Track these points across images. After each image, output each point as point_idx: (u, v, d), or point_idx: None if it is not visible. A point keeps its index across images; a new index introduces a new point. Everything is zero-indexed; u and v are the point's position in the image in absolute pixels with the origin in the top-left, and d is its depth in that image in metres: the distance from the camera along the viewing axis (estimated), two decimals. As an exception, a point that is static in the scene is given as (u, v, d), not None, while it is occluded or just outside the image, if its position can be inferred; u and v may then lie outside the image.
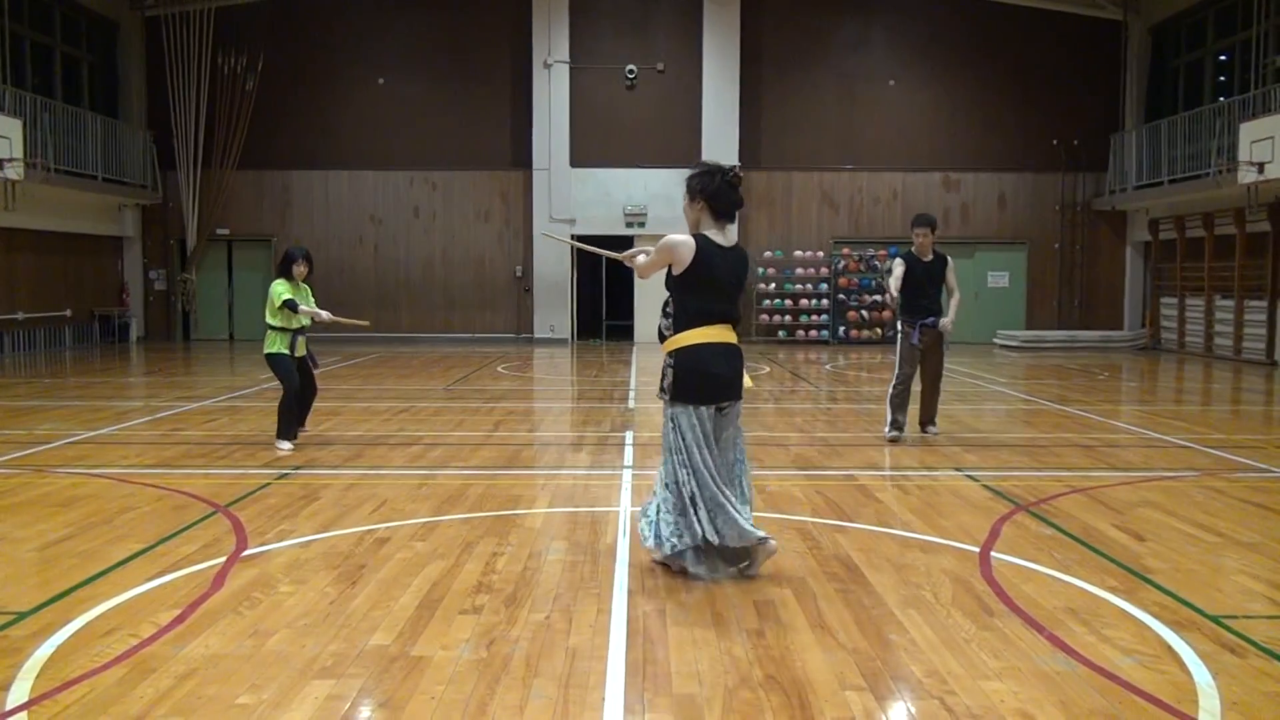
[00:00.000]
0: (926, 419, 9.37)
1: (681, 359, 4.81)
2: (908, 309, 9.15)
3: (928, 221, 9.14)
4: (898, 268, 9.17)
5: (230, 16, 21.96)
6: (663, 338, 4.97)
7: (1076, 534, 5.79)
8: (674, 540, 4.82)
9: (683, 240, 4.76)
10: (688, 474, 4.80)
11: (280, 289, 8.59)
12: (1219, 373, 16.38)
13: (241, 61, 21.88)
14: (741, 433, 5.07)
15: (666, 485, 4.89)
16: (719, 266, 4.78)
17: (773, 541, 4.88)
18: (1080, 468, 7.87)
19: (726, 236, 4.87)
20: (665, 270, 4.91)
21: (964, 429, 9.92)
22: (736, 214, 4.93)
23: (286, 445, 8.50)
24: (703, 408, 4.82)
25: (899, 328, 9.30)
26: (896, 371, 9.16)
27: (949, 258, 9.23)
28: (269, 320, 8.67)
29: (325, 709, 3.43)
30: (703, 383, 4.80)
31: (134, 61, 22.23)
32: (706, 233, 4.84)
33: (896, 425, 9.09)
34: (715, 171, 4.85)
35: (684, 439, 4.81)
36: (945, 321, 9.03)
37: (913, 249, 9.18)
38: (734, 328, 4.94)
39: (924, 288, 9.09)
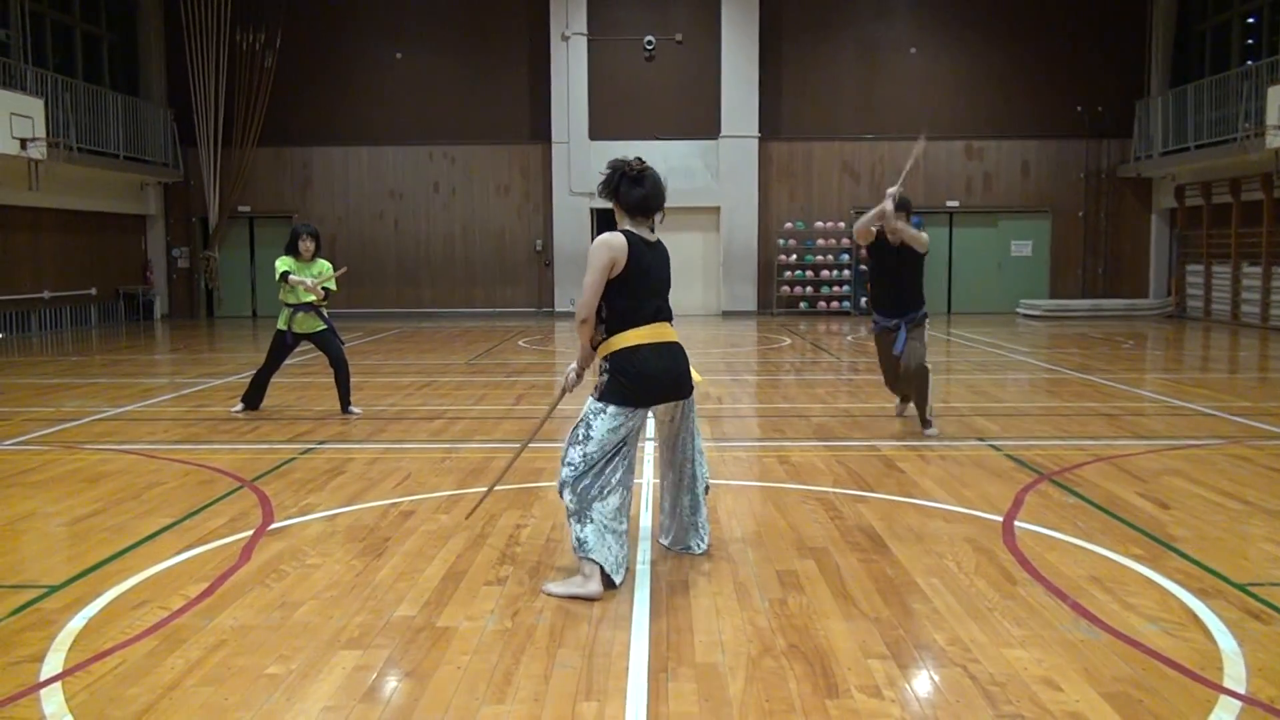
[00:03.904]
0: (921, 420, 7.93)
1: (618, 361, 4.41)
2: (875, 299, 8.01)
3: (901, 205, 7.45)
4: (865, 228, 7.53)
5: (248, -8, 21.98)
6: (594, 345, 4.58)
7: (1100, 502, 5.77)
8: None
9: (612, 237, 4.40)
10: (603, 463, 4.42)
11: (278, 263, 8.77)
12: (1245, 340, 16.22)
13: (260, 38, 21.87)
14: (696, 433, 4.81)
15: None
16: (648, 262, 4.45)
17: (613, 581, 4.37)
18: (1104, 436, 7.82)
19: (648, 234, 4.54)
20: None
21: (986, 398, 9.87)
22: (653, 210, 4.51)
23: (238, 407, 9.16)
24: (635, 412, 4.42)
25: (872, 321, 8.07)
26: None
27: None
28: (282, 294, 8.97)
29: (352, 679, 3.47)
30: (641, 384, 4.39)
31: (153, 39, 22.27)
32: (632, 229, 4.48)
33: (903, 400, 8.43)
34: (615, 170, 4.50)
35: (605, 437, 4.38)
36: (891, 192, 7.22)
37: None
38: (670, 324, 4.58)
39: (890, 276, 7.73)
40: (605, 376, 4.46)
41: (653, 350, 4.43)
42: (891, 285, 7.74)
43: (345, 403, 9.03)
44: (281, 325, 8.91)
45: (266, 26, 21.87)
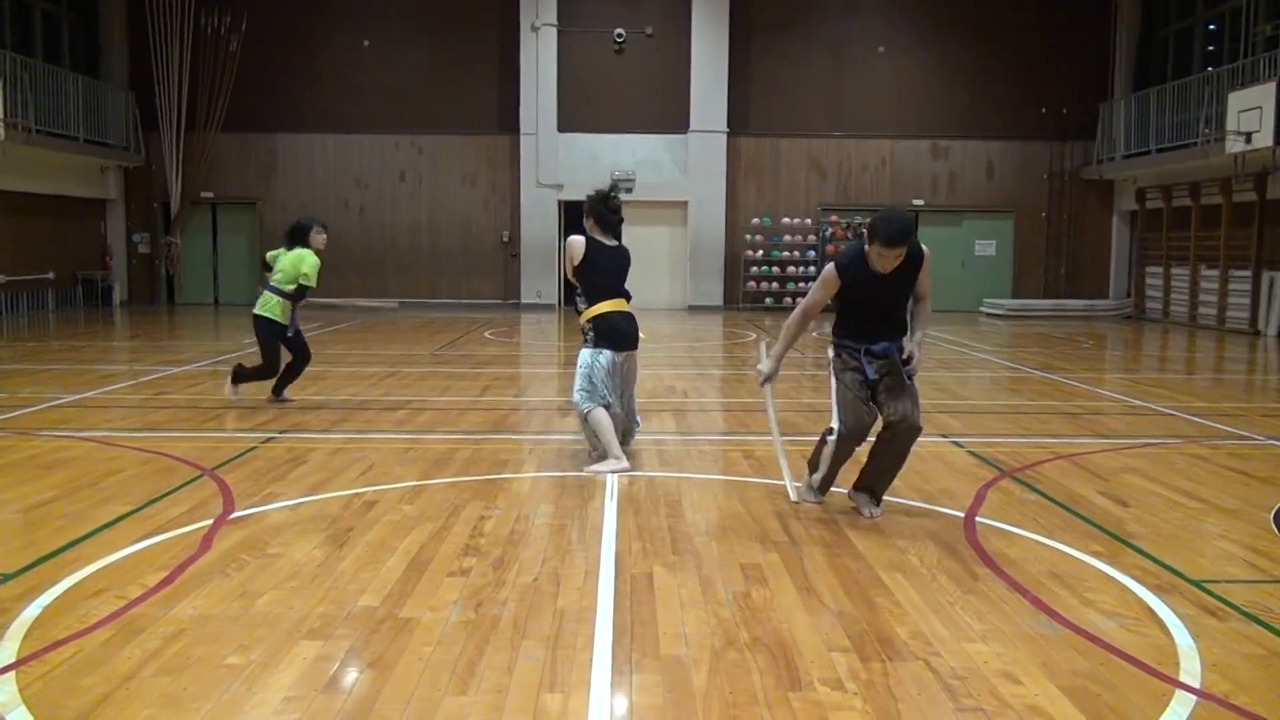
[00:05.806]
0: (865, 486, 5.54)
1: (598, 322, 6.50)
2: (847, 330, 5.42)
3: (905, 240, 4.97)
4: (826, 283, 5.31)
5: (213, -25, 21.66)
6: (579, 312, 6.66)
7: (1060, 499, 5.84)
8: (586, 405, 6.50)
9: (575, 240, 6.54)
10: (601, 384, 6.47)
11: (314, 260, 8.45)
12: (1203, 342, 16.47)
13: (225, 21, 21.58)
14: (636, 369, 6.88)
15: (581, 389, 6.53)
16: (607, 258, 6.56)
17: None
18: (1065, 434, 7.92)
19: (609, 240, 6.62)
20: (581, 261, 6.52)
21: (950, 396, 9.95)
22: (618, 226, 6.65)
23: (230, 389, 8.77)
24: (615, 353, 6.51)
25: (830, 356, 5.55)
26: (836, 425, 5.31)
27: (925, 250, 5.20)
28: (283, 285, 8.49)
29: (314, 669, 3.44)
30: (615, 336, 6.50)
31: (115, 20, 21.89)
32: (594, 235, 6.56)
33: (822, 484, 5.65)
34: (601, 198, 6.56)
35: (601, 369, 6.48)
36: (910, 345, 5.21)
37: (868, 258, 5.09)
38: (626, 300, 6.65)
39: (876, 309, 5.31)
40: (592, 333, 6.51)
41: (618, 315, 6.56)
42: (885, 314, 5.37)
43: (282, 386, 8.81)
44: (285, 321, 8.50)
45: (232, 10, 21.57)
